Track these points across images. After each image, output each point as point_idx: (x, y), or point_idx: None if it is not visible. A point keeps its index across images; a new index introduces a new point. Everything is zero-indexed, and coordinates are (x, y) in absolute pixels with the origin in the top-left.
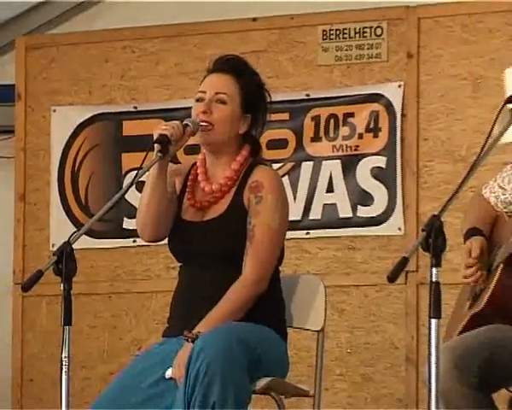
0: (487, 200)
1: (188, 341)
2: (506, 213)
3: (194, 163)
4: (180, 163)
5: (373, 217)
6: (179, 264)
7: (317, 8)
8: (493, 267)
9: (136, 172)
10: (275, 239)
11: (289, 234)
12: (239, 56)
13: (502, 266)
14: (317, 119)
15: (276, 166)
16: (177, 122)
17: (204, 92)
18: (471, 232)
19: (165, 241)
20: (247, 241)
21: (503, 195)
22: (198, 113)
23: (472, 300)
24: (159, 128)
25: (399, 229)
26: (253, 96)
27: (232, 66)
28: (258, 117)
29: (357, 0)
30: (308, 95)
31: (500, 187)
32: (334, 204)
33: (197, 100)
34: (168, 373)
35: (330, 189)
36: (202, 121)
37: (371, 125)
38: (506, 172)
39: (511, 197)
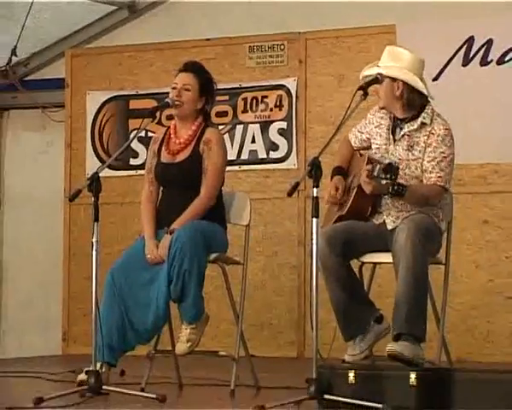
0: (350, 141)
1: (168, 234)
2: (359, 150)
3: (168, 127)
4: (164, 126)
5: (278, 158)
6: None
7: (246, 32)
8: (352, 187)
9: (136, 130)
10: (218, 173)
11: (229, 168)
12: (198, 61)
13: (356, 188)
14: (245, 99)
15: (221, 127)
16: None
17: (176, 84)
18: (337, 170)
19: None
20: (203, 174)
21: (360, 136)
22: (173, 96)
23: (339, 206)
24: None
25: (294, 165)
26: (205, 86)
27: (193, 67)
28: (209, 98)
29: (269, 27)
30: (240, 85)
31: (359, 131)
32: (256, 150)
33: (173, 88)
34: None
35: (253, 141)
36: (176, 101)
37: (278, 103)
38: (363, 121)
39: (365, 137)
